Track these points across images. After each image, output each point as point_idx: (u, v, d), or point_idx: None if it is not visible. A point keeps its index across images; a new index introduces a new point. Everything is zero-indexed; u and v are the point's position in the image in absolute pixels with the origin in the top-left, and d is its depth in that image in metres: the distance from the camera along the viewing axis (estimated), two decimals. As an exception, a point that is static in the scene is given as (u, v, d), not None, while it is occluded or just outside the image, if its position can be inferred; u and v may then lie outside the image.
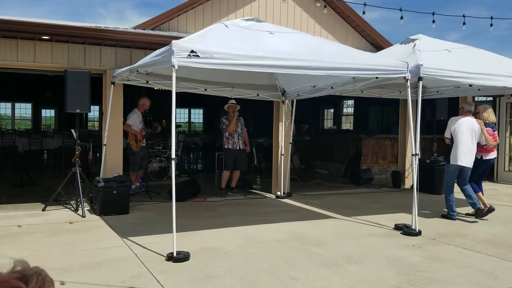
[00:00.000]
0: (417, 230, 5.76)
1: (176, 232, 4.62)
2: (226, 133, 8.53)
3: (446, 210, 6.86)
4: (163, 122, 8.51)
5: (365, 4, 8.20)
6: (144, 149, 8.72)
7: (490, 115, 6.97)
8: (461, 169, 6.68)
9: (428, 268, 4.46)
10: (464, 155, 6.59)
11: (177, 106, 4.84)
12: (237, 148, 8.56)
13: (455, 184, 6.91)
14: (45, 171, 11.17)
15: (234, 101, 8.53)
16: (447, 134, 6.82)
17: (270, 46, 5.66)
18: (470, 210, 7.02)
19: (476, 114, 6.98)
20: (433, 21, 9.10)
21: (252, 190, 9.21)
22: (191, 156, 14.55)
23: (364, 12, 8.51)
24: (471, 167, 6.70)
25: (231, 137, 8.53)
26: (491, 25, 9.11)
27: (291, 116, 8.90)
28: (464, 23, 9.11)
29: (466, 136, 6.62)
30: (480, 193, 6.98)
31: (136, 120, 8.36)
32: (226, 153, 8.66)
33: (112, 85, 7.42)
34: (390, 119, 14.67)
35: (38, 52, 7.21)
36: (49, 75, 10.79)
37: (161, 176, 9.93)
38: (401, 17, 8.77)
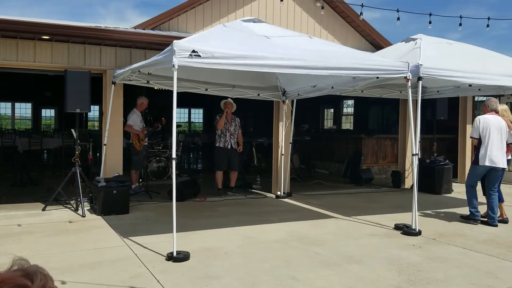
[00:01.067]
0: (417, 230, 5.76)
1: (176, 232, 4.62)
2: (218, 131, 8.51)
3: (464, 212, 6.69)
4: (163, 120, 8.51)
5: (362, 5, 8.17)
6: (146, 148, 8.76)
7: (509, 113, 6.67)
8: (490, 170, 6.36)
9: (428, 268, 4.46)
10: (495, 155, 6.28)
11: (177, 106, 4.83)
12: (228, 147, 8.50)
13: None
14: (45, 171, 11.17)
15: (230, 100, 8.47)
16: (475, 134, 6.43)
17: (271, 46, 5.66)
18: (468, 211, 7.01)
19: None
20: (430, 22, 9.10)
21: (252, 190, 9.21)
22: (191, 156, 14.55)
23: (361, 13, 8.48)
24: (505, 167, 6.41)
25: (222, 135, 8.49)
26: (488, 25, 9.11)
27: (291, 116, 8.90)
28: (460, 24, 9.09)
29: (496, 135, 6.32)
30: (502, 203, 6.65)
31: (136, 120, 8.38)
32: (216, 152, 8.58)
33: (113, 85, 7.42)
34: (390, 119, 14.67)
35: (38, 52, 7.21)
36: (49, 75, 10.79)
37: (161, 176, 9.93)
38: (398, 18, 8.77)
